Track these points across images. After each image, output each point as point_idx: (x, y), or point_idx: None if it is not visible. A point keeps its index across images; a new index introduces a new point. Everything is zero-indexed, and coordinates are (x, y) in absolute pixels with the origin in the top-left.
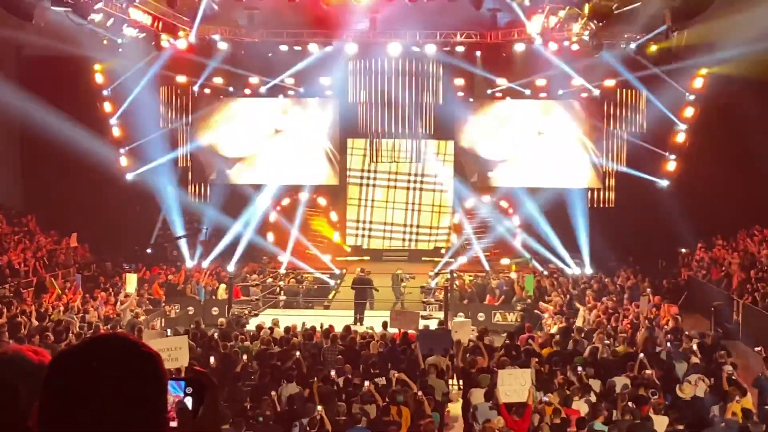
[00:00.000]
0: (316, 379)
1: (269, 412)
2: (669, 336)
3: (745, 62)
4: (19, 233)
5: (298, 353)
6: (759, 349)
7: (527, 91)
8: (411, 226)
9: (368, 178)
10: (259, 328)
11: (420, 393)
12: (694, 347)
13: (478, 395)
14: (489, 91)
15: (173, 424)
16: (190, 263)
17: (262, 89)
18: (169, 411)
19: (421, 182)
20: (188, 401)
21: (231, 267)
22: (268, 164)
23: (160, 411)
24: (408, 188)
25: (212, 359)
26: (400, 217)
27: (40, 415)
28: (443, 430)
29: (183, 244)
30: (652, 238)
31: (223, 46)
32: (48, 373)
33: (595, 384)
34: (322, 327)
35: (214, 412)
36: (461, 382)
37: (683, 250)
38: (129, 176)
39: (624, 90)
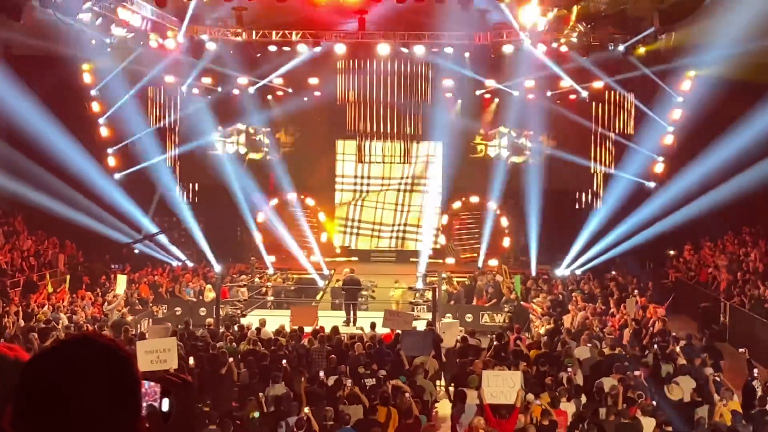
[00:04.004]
0: (303, 379)
1: (257, 413)
2: (656, 338)
3: (733, 64)
4: (5, 233)
5: (284, 360)
6: (743, 350)
7: (516, 93)
8: (400, 226)
9: (359, 181)
10: (243, 328)
11: (409, 394)
12: (678, 350)
13: (472, 396)
14: (477, 92)
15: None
16: (177, 264)
17: (251, 89)
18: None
19: (411, 184)
20: (165, 403)
21: (218, 267)
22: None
23: (134, 412)
24: (398, 189)
25: (191, 360)
26: (389, 218)
27: (14, 416)
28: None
29: (163, 240)
30: (640, 240)
31: (211, 46)
32: (22, 375)
33: (583, 385)
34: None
35: (185, 413)
36: (451, 383)
37: (671, 252)
38: (116, 176)
39: (612, 92)
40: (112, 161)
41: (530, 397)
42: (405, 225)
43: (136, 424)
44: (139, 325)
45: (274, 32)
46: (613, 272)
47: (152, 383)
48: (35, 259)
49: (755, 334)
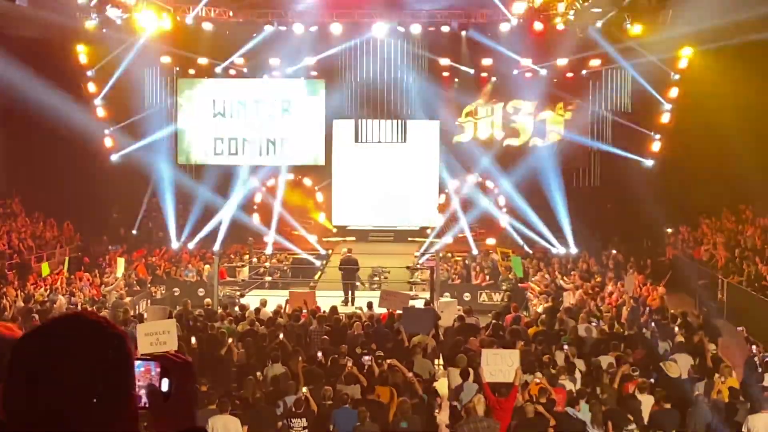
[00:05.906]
0: (301, 359)
1: (256, 393)
2: (654, 315)
3: (730, 41)
4: (2, 215)
5: (281, 335)
6: (741, 329)
7: (514, 71)
8: (398, 206)
9: (356, 160)
10: (244, 308)
11: (410, 375)
12: (676, 327)
13: (454, 375)
14: (472, 71)
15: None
16: (176, 245)
17: (247, 69)
18: (137, 391)
19: (408, 162)
20: (164, 383)
21: (216, 248)
22: (255, 144)
23: (125, 390)
24: (395, 168)
25: (193, 340)
26: (386, 198)
27: (5, 396)
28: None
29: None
30: (638, 218)
31: (207, 26)
32: (12, 354)
33: (581, 363)
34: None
35: (185, 393)
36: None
37: (668, 230)
38: (114, 157)
39: (609, 69)
40: (108, 142)
41: (539, 374)
42: (404, 207)
43: (127, 402)
44: (137, 306)
45: (270, 12)
46: (611, 250)
47: (152, 363)
48: (32, 241)
49: (752, 311)
